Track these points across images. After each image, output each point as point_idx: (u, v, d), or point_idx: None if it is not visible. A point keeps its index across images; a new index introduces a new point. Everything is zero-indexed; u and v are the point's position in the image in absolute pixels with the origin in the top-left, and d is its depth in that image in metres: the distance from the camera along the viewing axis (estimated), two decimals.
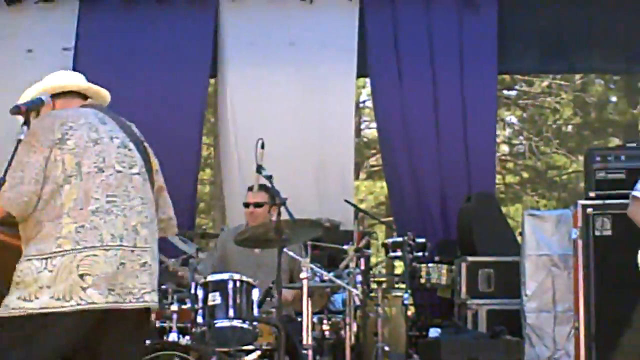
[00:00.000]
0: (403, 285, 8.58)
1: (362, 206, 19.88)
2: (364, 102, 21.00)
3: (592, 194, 6.42)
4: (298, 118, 10.69)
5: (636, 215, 5.22)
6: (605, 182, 6.42)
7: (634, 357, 6.18)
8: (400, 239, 8.84)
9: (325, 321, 7.85)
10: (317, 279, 7.12)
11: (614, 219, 6.33)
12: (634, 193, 5.19)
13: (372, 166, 21.93)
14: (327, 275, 6.90)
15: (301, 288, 6.09)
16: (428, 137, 10.92)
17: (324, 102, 10.74)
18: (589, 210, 6.31)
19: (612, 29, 10.36)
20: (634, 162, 6.49)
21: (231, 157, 10.71)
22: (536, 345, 7.53)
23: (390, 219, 13.02)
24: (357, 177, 21.43)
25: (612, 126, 20.94)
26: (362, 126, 21.87)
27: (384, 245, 9.31)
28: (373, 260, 13.78)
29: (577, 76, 20.39)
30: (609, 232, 6.32)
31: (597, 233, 6.32)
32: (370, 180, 21.53)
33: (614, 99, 21.42)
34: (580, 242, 6.32)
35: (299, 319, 6.45)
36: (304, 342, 6.02)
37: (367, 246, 9.68)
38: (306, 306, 6.02)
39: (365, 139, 21.63)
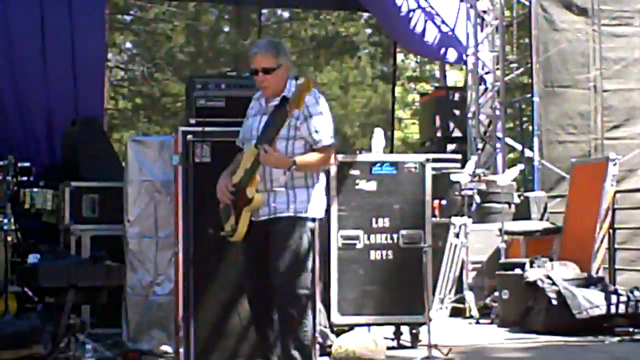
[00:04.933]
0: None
1: None
2: None
3: (192, 121, 6.49)
4: None
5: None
6: (205, 110, 6.50)
7: (229, 281, 6.41)
8: (1, 163, 8.54)
9: None
10: None
11: (213, 146, 6.43)
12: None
13: None
14: None
15: None
16: (34, 58, 10.64)
17: None
18: (189, 137, 6.37)
19: None
20: (234, 90, 6.63)
21: None
22: (138, 271, 7.58)
23: None
24: None
25: (224, 55, 21.40)
26: None
27: None
28: None
29: (191, 4, 20.61)
30: (208, 159, 6.42)
31: (196, 160, 6.40)
32: None
33: (226, 28, 21.90)
34: (180, 169, 6.38)
35: None
36: None
37: None
38: None
39: None
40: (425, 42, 13.71)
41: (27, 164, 8.85)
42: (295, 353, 5.46)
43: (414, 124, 25.53)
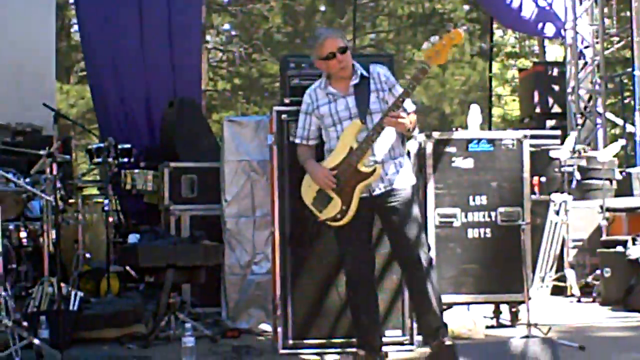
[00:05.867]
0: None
1: (74, 111, 19.37)
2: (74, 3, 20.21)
3: (286, 100, 6.47)
4: None
5: (299, 157, 5.91)
6: (299, 89, 6.46)
7: (327, 259, 6.40)
8: (102, 145, 8.69)
9: (22, 228, 7.67)
10: (12, 185, 6.93)
11: None
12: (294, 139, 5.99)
13: (83, 70, 21.26)
14: (19, 182, 6.70)
15: None
16: (132, 41, 10.78)
17: (20, 2, 10.35)
18: (284, 116, 6.35)
19: None
20: None
21: None
22: (236, 250, 7.63)
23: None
24: (67, 81, 20.77)
25: None
26: (72, 29, 21.14)
27: (89, 151, 9.12)
28: (84, 167, 13.32)
29: None
30: None
31: (291, 139, 6.39)
32: (81, 85, 20.85)
33: (322, 8, 21.87)
34: (275, 148, 6.38)
35: None
36: None
37: (67, 151, 9.47)
38: None
39: (74, 42, 20.91)
40: (522, 17, 13.52)
41: (127, 146, 9.00)
42: (438, 311, 5.69)
43: (514, 100, 25.18)
